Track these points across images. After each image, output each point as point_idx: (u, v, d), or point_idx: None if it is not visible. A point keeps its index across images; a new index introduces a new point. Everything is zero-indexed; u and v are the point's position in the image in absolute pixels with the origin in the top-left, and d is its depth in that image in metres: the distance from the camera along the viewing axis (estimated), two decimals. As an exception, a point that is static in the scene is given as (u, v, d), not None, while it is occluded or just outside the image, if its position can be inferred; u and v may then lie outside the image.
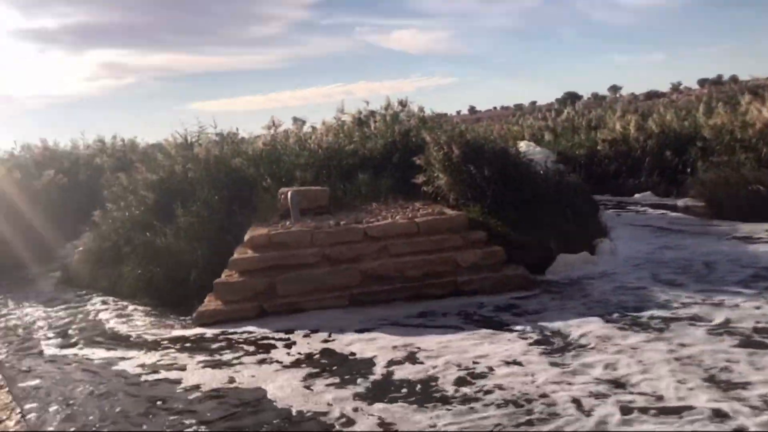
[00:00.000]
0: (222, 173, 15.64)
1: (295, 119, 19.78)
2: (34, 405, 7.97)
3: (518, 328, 9.32)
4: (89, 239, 16.06)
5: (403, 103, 18.70)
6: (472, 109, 48.01)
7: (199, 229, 13.70)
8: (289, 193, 13.38)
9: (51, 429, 7.19)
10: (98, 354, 10.08)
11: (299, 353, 9.15)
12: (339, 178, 15.20)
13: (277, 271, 11.56)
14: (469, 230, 12.22)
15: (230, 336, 10.22)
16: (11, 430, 6.57)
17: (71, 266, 16.01)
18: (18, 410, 7.11)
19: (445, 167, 13.99)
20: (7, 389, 7.75)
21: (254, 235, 12.17)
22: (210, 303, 11.34)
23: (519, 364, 7.97)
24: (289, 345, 9.59)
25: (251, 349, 9.56)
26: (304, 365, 8.64)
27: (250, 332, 10.29)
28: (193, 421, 7.15)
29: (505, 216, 12.84)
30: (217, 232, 13.65)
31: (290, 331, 10.13)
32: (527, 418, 6.51)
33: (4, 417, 6.90)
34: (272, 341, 9.83)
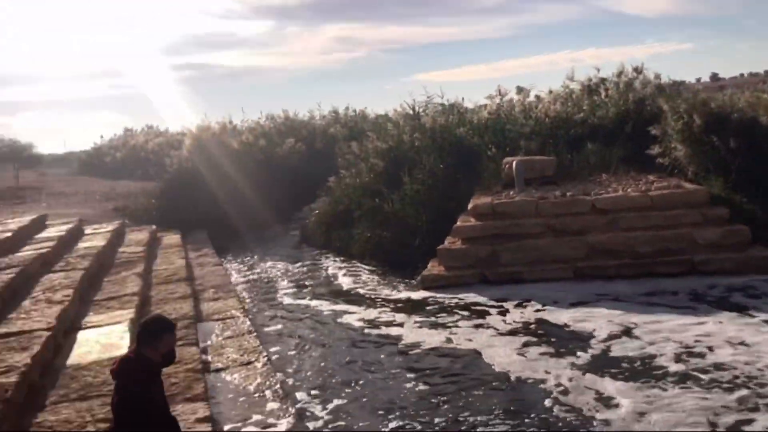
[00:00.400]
0: (447, 142, 15.86)
1: (520, 88, 19.31)
2: (276, 348, 8.85)
3: (754, 312, 8.61)
4: (324, 203, 17.20)
5: (637, 70, 17.54)
6: (714, 76, 43.71)
7: (424, 196, 14.07)
8: (514, 163, 13.24)
9: (290, 370, 7.91)
10: (327, 306, 10.89)
11: (514, 321, 9.17)
12: (566, 148, 14.72)
13: (499, 240, 11.55)
14: (710, 206, 11.26)
15: (447, 300, 10.46)
16: (259, 370, 7.32)
17: (308, 227, 17.31)
18: (264, 353, 7.89)
19: (684, 138, 12.98)
20: (255, 334, 8.63)
21: (477, 203, 12.24)
22: (433, 268, 11.64)
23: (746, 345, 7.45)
24: (503, 312, 9.64)
25: (466, 314, 9.74)
26: (520, 333, 8.65)
27: (466, 298, 10.46)
28: (414, 374, 7.47)
29: (752, 193, 11.67)
30: (440, 200, 13.93)
31: (505, 300, 10.16)
32: (756, 401, 6.03)
33: (253, 359, 7.70)
34: (486, 308, 9.92)
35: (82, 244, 13.28)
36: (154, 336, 3.58)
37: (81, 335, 7.70)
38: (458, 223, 12.10)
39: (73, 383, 6.03)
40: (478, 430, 6.06)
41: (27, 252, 11.34)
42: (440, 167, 14.79)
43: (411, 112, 18.52)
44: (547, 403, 6.48)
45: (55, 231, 14.03)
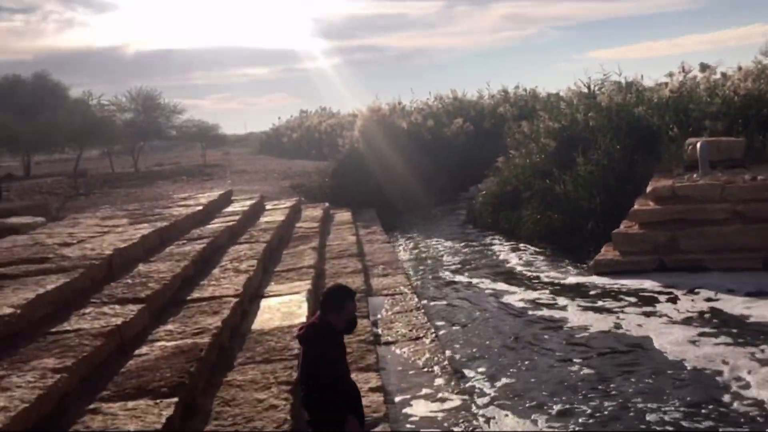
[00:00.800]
0: (624, 122, 15.11)
1: (704, 65, 17.89)
2: (441, 323, 9.01)
3: None
4: (492, 183, 17.07)
5: None
6: None
7: (598, 178, 13.54)
8: (698, 144, 12.37)
9: (456, 346, 8.00)
10: (493, 286, 10.88)
11: (687, 310, 8.68)
12: (757, 129, 13.51)
13: (679, 226, 10.89)
14: None
15: (616, 286, 10.09)
16: (428, 345, 7.47)
17: (474, 207, 17.28)
18: (432, 330, 8.03)
19: None
20: (423, 311, 8.80)
21: (657, 186, 11.60)
22: (607, 253, 11.20)
23: None
24: (674, 300, 9.16)
25: (634, 300, 9.33)
26: (694, 323, 8.19)
27: (638, 284, 10.00)
28: (580, 358, 7.27)
29: None
30: (616, 182, 13.34)
31: (678, 287, 9.63)
32: None
33: (421, 335, 7.85)
34: (655, 294, 9.47)
35: (263, 219, 14.14)
36: (337, 303, 3.75)
37: (264, 303, 8.22)
38: (635, 207, 11.53)
39: (257, 347, 6.47)
40: (648, 417, 5.80)
41: (216, 224, 12.25)
42: (616, 148, 14.14)
43: (586, 90, 17.85)
44: (726, 397, 6.07)
45: (239, 206, 15.04)
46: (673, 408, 5.92)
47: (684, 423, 5.68)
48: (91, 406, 4.66)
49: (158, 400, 4.68)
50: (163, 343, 6.03)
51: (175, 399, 4.69)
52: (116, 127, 29.33)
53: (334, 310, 3.71)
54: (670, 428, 5.62)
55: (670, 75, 17.60)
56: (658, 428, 5.64)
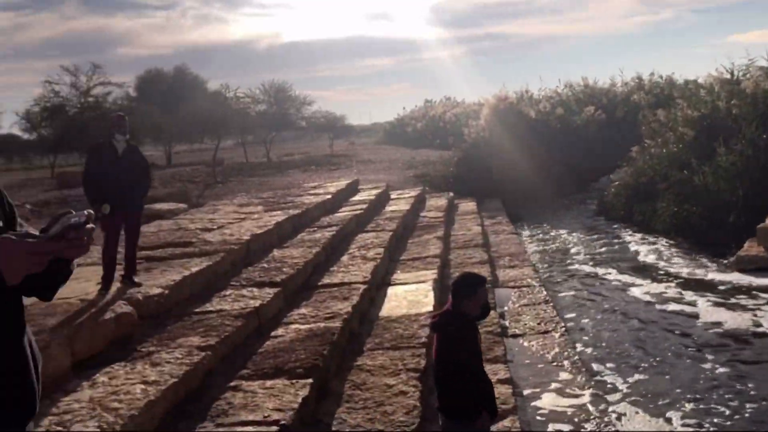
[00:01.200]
0: (772, 109, 14.11)
1: None
2: (570, 315, 8.81)
3: None
4: (625, 174, 16.44)
5: None
6: None
7: (741, 169, 12.72)
8: None
9: (585, 339, 7.82)
10: (625, 280, 10.52)
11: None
12: None
13: (836, 221, 10.06)
14: None
15: (753, 283, 9.48)
16: (557, 339, 7.31)
17: (606, 199, 16.71)
18: (561, 324, 7.85)
19: None
20: (551, 304, 8.62)
21: (810, 178, 10.76)
22: (750, 248, 10.52)
23: None
24: None
25: None
26: None
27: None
28: (715, 355, 6.84)
29: None
30: (762, 174, 12.48)
31: None
32: None
33: (550, 328, 7.70)
34: None
35: (389, 208, 14.35)
36: (470, 290, 3.75)
37: (390, 290, 8.35)
38: (784, 200, 10.76)
39: (385, 333, 6.58)
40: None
41: (344, 213, 12.57)
42: (762, 137, 13.21)
43: (728, 76, 16.75)
44: None
45: (366, 195, 15.33)
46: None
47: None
48: (232, 384, 4.92)
49: (294, 381, 4.87)
50: (297, 326, 6.27)
51: (310, 380, 4.86)
52: (251, 118, 30.59)
53: (468, 296, 3.71)
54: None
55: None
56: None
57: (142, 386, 4.41)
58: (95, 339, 5.15)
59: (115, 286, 6.38)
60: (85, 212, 1.62)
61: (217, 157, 26.57)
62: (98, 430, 3.80)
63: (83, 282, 6.55)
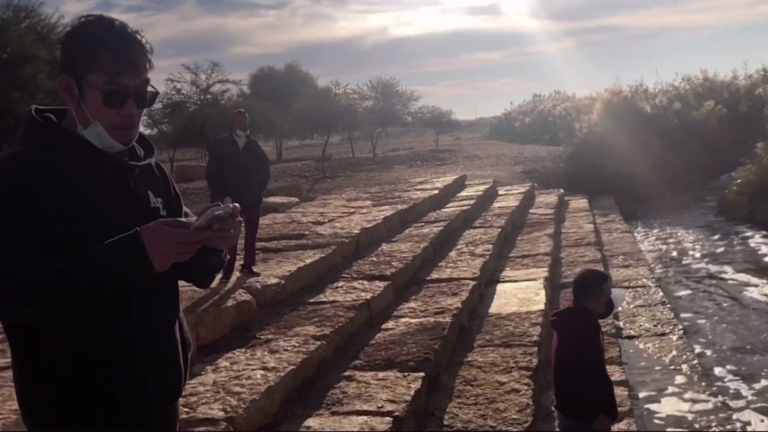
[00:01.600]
0: None
1: None
2: (687, 316, 8.50)
3: None
4: (748, 171, 15.54)
5: None
6: None
7: None
8: None
9: (703, 341, 7.54)
10: (745, 281, 10.08)
11: None
12: None
13: None
14: None
15: None
16: (674, 342, 7.03)
17: (727, 197, 15.88)
18: (679, 326, 7.53)
19: None
20: (669, 306, 8.28)
21: None
22: None
23: None
24: None
25: None
26: None
27: None
28: None
29: None
30: None
31: None
32: None
33: (667, 330, 7.41)
34: None
35: (496, 204, 14.20)
36: (594, 286, 3.68)
37: (499, 287, 8.28)
38: None
39: (495, 330, 6.54)
40: None
41: (451, 208, 12.55)
42: None
43: None
44: None
45: (473, 190, 15.24)
46: None
47: None
48: (346, 373, 5.04)
49: (406, 373, 4.92)
50: (407, 319, 6.33)
51: (422, 373, 4.90)
52: (358, 114, 31.05)
53: (592, 293, 3.63)
54: None
55: None
56: None
57: (262, 372, 4.59)
58: (218, 325, 5.40)
59: (235, 275, 6.67)
60: (231, 205, 1.70)
61: (326, 152, 27.13)
62: (222, 412, 3.99)
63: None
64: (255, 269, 6.81)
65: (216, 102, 25.88)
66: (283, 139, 36.05)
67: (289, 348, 5.11)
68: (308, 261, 7.30)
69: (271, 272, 6.80)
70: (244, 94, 33.82)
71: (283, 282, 6.53)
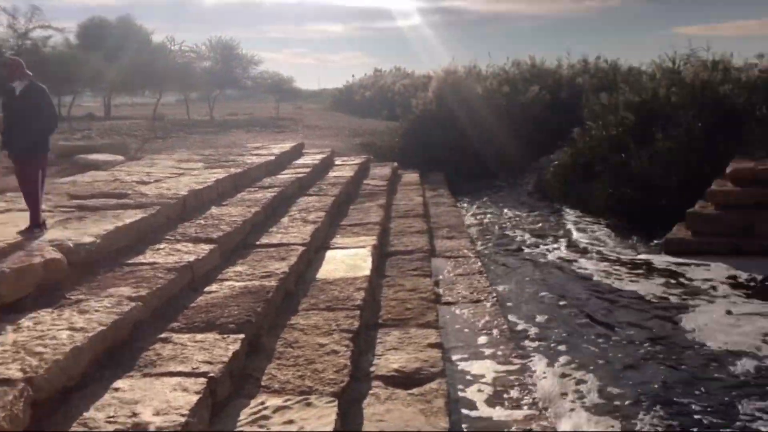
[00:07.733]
0: (708, 99, 14.58)
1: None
2: (503, 287, 9.20)
3: None
4: (565, 154, 16.75)
5: None
6: None
7: (676, 155, 13.16)
8: (787, 127, 11.86)
9: (516, 310, 8.21)
10: (557, 255, 10.98)
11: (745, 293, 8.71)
12: None
13: (757, 210, 10.52)
14: None
15: (685, 266, 9.94)
16: (488, 309, 7.49)
17: (544, 178, 17.04)
18: (494, 294, 8.03)
19: None
20: (485, 275, 8.80)
21: (737, 167, 11.21)
22: (679, 232, 10.93)
23: None
24: (741, 285, 9.06)
25: (693, 280, 9.29)
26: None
27: (708, 267, 9.82)
28: (644, 334, 7.21)
29: None
30: (694, 160, 12.95)
31: (744, 271, 9.51)
32: None
33: (482, 298, 7.87)
34: (718, 278, 9.36)
35: (332, 173, 14.29)
36: None
37: (329, 254, 8.36)
38: (713, 187, 11.18)
39: (321, 294, 6.60)
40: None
41: (286, 175, 12.46)
42: (697, 125, 13.68)
43: (670, 64, 17.22)
44: None
45: (310, 159, 15.22)
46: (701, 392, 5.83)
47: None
48: (162, 335, 4.88)
49: (225, 335, 4.86)
50: (232, 282, 6.23)
51: (242, 335, 4.85)
52: (195, 73, 29.86)
53: None
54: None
55: (761, 56, 16.93)
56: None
57: (69, 332, 4.33)
58: (21, 283, 5.01)
59: (46, 234, 6.21)
60: None
61: (158, 112, 25.89)
62: (21, 372, 3.72)
63: (11, 227, 6.36)
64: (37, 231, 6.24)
65: (37, 49, 23.81)
66: (113, 95, 33.91)
67: (100, 309, 4.85)
68: (128, 221, 6.94)
69: (87, 231, 6.40)
70: (70, 43, 31.37)
71: (98, 241, 6.17)
